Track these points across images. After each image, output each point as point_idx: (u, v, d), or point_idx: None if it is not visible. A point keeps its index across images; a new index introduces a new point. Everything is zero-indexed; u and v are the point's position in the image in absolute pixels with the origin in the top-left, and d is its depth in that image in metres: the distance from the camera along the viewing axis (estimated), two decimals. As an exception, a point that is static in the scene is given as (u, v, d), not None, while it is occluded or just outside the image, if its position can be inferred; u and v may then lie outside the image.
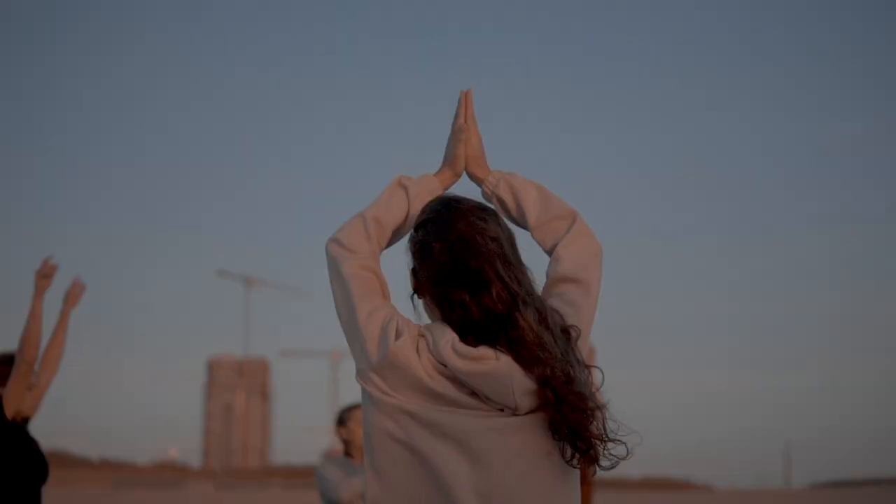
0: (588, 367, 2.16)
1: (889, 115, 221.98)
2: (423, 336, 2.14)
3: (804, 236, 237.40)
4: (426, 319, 2.25)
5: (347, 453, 6.72)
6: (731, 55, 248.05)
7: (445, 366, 2.09)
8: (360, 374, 2.17)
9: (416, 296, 2.27)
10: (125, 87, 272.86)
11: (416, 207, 2.35)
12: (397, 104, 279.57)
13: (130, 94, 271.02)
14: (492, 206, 2.27)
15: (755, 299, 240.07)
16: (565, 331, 2.16)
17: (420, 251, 2.22)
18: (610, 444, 2.11)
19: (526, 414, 2.09)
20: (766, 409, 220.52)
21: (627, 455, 2.14)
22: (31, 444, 5.14)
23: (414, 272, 2.25)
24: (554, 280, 2.33)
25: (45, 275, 5.07)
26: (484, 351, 2.08)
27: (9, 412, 4.98)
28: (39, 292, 5.03)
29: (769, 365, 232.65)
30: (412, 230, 2.28)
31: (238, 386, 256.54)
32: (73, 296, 5.37)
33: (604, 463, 2.11)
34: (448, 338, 2.11)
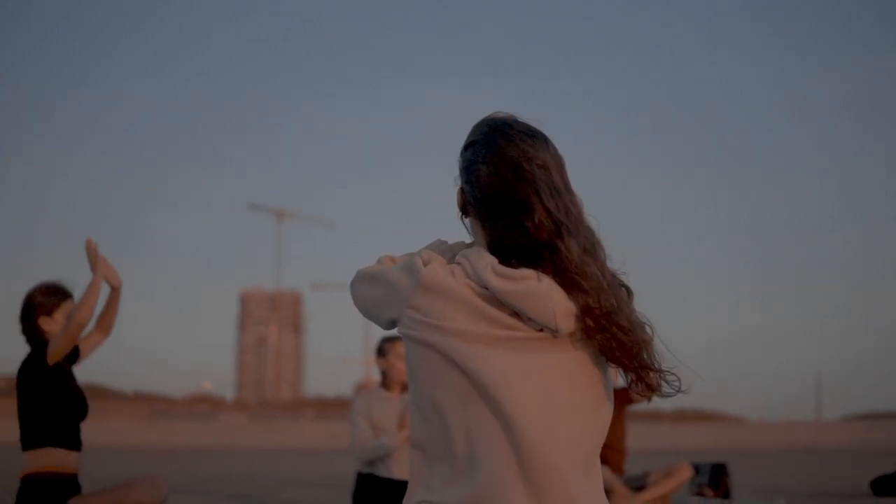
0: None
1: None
2: (458, 264, 2.10)
3: (832, 166, 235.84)
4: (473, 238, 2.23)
5: (384, 384, 6.74)
6: None
7: (486, 288, 2.05)
8: (400, 322, 2.12)
9: (462, 215, 2.24)
10: (153, 17, 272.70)
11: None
12: (430, 39, 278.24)
13: (157, 26, 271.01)
14: (543, 132, 2.20)
15: (784, 232, 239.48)
16: (622, 286, 2.12)
17: (467, 171, 2.19)
18: (665, 375, 2.09)
19: (569, 337, 2.06)
20: (798, 342, 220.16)
21: (682, 387, 2.10)
22: (71, 381, 5.32)
23: (462, 191, 2.22)
24: None
25: (95, 253, 5.20)
26: (526, 271, 2.03)
27: (51, 361, 5.17)
28: (98, 268, 5.17)
29: (801, 298, 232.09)
30: (462, 149, 2.23)
31: (270, 318, 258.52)
32: (100, 262, 5.26)
33: (665, 390, 2.09)
34: (487, 261, 2.06)
